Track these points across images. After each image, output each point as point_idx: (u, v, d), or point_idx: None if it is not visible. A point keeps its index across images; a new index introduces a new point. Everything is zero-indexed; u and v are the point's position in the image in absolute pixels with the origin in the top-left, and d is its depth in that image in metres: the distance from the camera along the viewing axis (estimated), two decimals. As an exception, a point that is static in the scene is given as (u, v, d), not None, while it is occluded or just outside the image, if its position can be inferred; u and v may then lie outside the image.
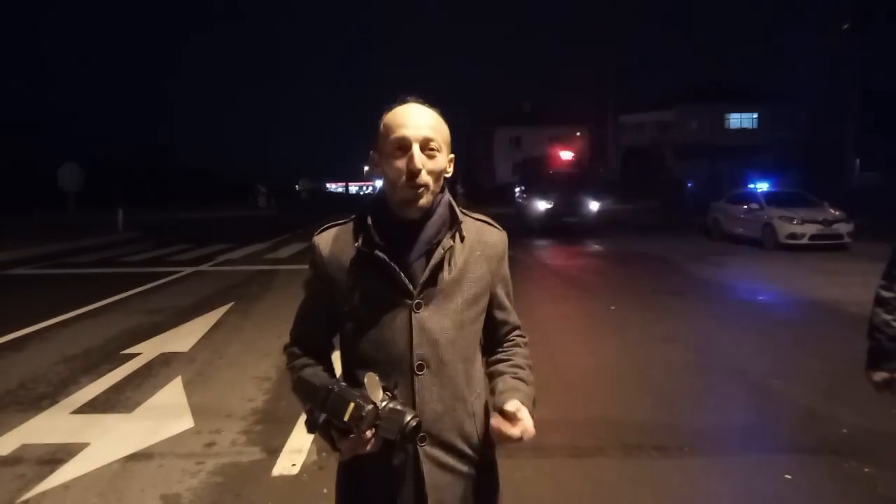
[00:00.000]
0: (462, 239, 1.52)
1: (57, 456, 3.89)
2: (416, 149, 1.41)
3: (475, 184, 50.39)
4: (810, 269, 11.48)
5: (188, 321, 7.67)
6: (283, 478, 3.62)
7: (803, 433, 4.20)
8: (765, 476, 3.60)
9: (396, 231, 1.46)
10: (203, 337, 6.86)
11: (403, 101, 1.47)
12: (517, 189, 26.07)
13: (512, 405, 1.39)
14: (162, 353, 6.21)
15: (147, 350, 6.34)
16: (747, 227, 15.73)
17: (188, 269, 12.59)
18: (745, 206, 15.91)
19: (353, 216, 1.55)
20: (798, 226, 14.14)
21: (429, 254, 1.46)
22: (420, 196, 1.42)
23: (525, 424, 1.39)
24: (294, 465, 3.76)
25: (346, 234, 1.52)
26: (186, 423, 4.41)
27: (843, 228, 14.19)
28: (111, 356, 6.17)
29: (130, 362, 5.92)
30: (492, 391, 1.55)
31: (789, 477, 3.58)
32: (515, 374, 1.57)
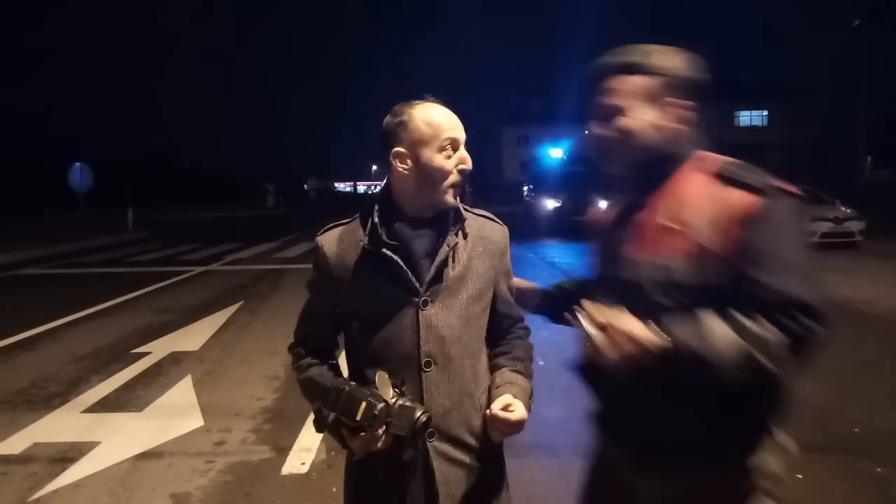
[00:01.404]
0: (465, 236, 1.54)
1: (68, 455, 3.92)
2: (463, 150, 1.48)
3: (483, 182, 50.35)
4: (821, 267, 11.37)
5: (198, 320, 7.70)
6: (292, 476, 3.63)
7: (815, 433, 4.17)
8: (775, 476, 3.58)
9: (402, 229, 1.48)
10: (212, 336, 6.89)
11: (427, 100, 1.49)
12: (525, 187, 26.05)
13: (502, 400, 1.46)
14: (172, 353, 6.23)
15: (157, 349, 6.37)
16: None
17: (198, 269, 12.65)
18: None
19: (356, 215, 1.57)
20: (809, 224, 14.02)
21: (434, 251, 1.48)
22: (458, 192, 1.48)
23: (516, 415, 1.45)
24: (303, 463, 3.77)
25: (351, 233, 1.54)
26: (196, 421, 4.43)
27: (855, 226, 14.08)
28: (121, 355, 6.20)
29: (140, 361, 5.95)
30: (490, 385, 1.57)
31: (801, 476, 3.55)
32: (514, 367, 1.60)
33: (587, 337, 1.24)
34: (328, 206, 46.43)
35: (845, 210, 14.44)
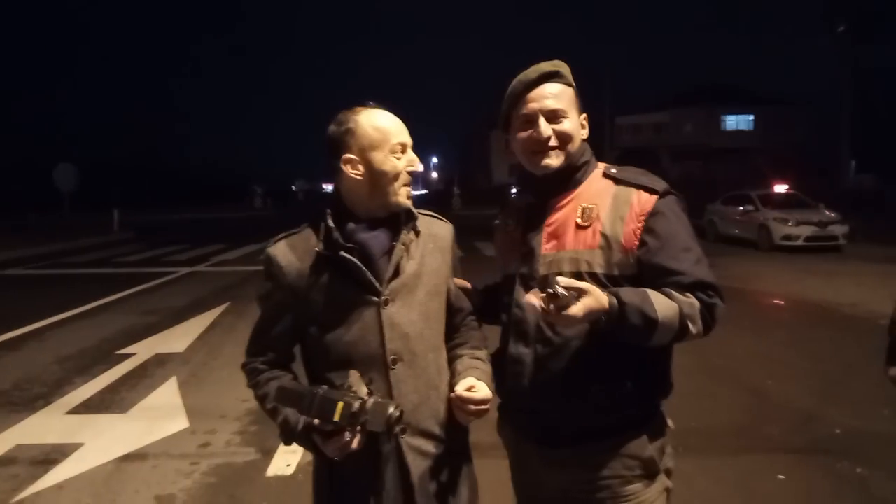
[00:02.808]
0: (418, 234, 1.59)
1: (51, 456, 3.89)
2: (411, 152, 1.52)
3: (471, 185, 50.45)
4: (805, 270, 11.50)
5: (183, 322, 7.67)
6: (277, 478, 3.62)
7: (796, 434, 4.22)
8: (758, 477, 3.62)
9: (357, 231, 1.51)
10: (198, 337, 6.87)
11: (369, 106, 1.53)
12: (513, 189, 26.14)
13: (466, 383, 1.50)
14: (157, 354, 6.20)
15: (142, 350, 6.34)
16: (743, 229, 15.75)
17: (184, 270, 12.58)
18: (741, 208, 15.94)
19: (305, 224, 1.59)
20: (793, 227, 14.16)
21: (389, 251, 1.52)
22: (409, 192, 1.53)
23: (480, 395, 1.49)
24: (289, 465, 3.76)
25: (303, 241, 1.56)
26: (181, 423, 4.41)
27: (838, 230, 14.22)
28: (106, 356, 6.16)
29: (125, 363, 5.91)
30: (452, 374, 1.61)
31: (782, 477, 3.59)
32: (473, 354, 1.65)
33: (554, 301, 1.32)
34: (316, 206, 46.24)
35: (829, 214, 14.57)
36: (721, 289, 1.47)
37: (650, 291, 1.40)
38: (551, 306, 1.31)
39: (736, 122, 50.03)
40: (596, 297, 1.33)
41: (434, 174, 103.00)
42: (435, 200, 42.69)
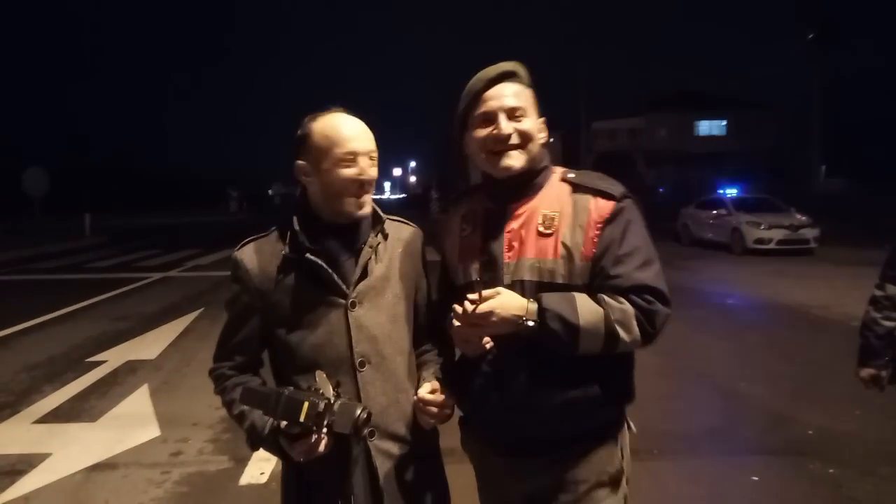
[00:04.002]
0: (385, 237, 1.58)
1: (18, 467, 3.80)
2: (365, 161, 1.47)
3: (449, 188, 50.48)
4: (777, 273, 11.67)
5: (155, 328, 7.55)
6: (250, 487, 3.57)
7: (770, 435, 4.26)
8: (732, 478, 3.64)
9: (323, 235, 1.49)
10: (171, 344, 6.76)
11: (331, 110, 1.50)
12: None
13: (430, 385, 1.50)
14: (128, 361, 6.09)
15: (113, 358, 6.22)
16: (716, 233, 15.96)
17: (156, 275, 12.41)
18: (714, 212, 16.14)
19: (273, 228, 1.57)
20: (765, 231, 14.37)
21: (357, 253, 1.51)
22: (365, 201, 1.49)
23: (444, 398, 1.49)
24: (262, 473, 3.70)
25: (270, 244, 1.54)
26: (152, 431, 4.33)
27: (809, 233, 14.47)
28: (76, 364, 6.04)
29: (95, 370, 5.80)
30: (419, 380, 1.60)
31: (756, 478, 3.62)
32: (441, 360, 1.64)
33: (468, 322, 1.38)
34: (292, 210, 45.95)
35: (800, 218, 14.82)
36: (666, 294, 1.45)
37: (578, 296, 1.40)
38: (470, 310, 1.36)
39: (709, 127, 50.71)
40: (511, 298, 1.39)
41: (413, 178, 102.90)
42: (413, 205, 42.65)
